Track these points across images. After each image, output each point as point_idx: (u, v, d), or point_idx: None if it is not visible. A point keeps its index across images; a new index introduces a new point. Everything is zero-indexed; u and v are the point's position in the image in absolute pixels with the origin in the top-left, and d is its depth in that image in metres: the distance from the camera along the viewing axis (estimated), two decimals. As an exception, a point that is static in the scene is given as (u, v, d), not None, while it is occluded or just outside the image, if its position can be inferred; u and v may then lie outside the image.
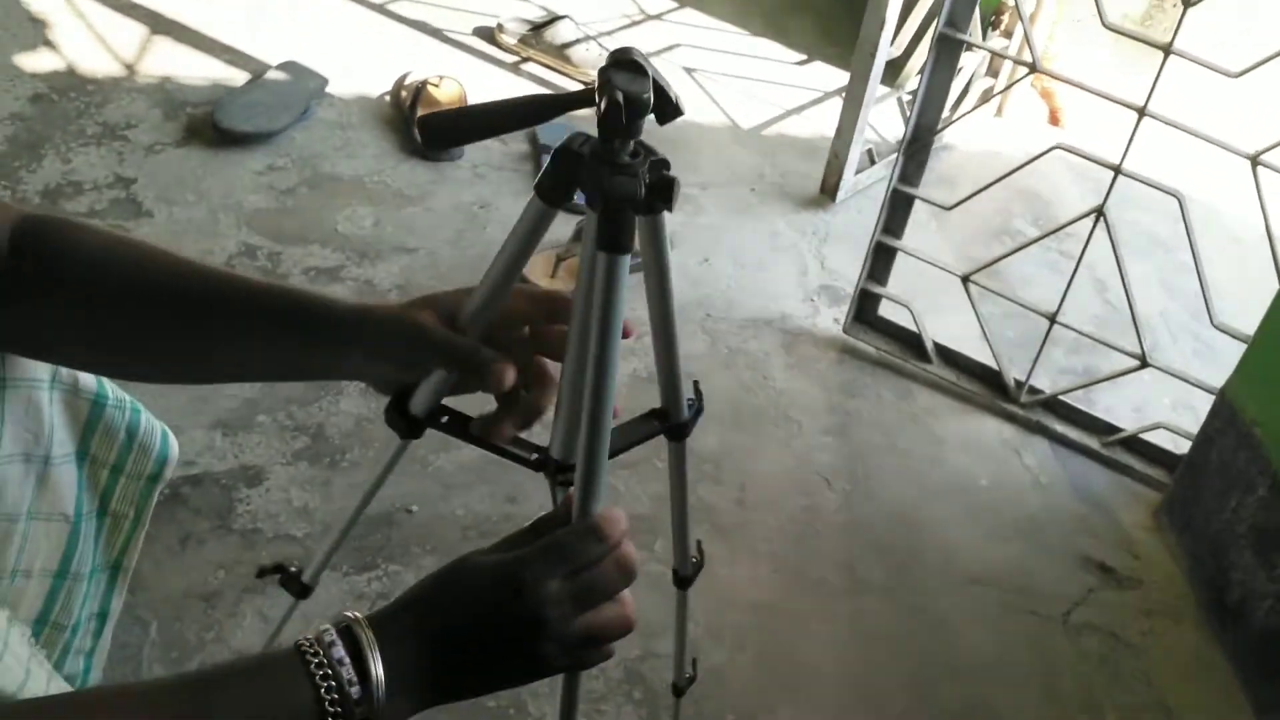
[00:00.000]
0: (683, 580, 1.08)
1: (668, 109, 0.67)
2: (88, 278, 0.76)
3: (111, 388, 1.02)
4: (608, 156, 0.68)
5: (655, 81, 0.66)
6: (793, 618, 1.47)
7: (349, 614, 0.64)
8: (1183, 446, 1.70)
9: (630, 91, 0.64)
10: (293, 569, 1.06)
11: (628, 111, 0.64)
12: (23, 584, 0.98)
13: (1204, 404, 1.65)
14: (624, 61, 0.66)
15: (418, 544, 1.47)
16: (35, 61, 2.17)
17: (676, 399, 0.88)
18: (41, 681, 0.92)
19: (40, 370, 0.94)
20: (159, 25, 2.34)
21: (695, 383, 0.92)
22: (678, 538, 1.04)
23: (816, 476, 1.68)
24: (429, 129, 0.72)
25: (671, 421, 0.90)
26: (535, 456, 0.85)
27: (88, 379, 0.99)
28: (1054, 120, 2.68)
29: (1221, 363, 1.67)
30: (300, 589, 1.06)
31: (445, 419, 0.84)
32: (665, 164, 0.71)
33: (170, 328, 0.77)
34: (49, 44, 2.22)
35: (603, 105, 0.64)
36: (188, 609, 1.35)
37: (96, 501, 1.05)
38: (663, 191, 0.70)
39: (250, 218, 1.95)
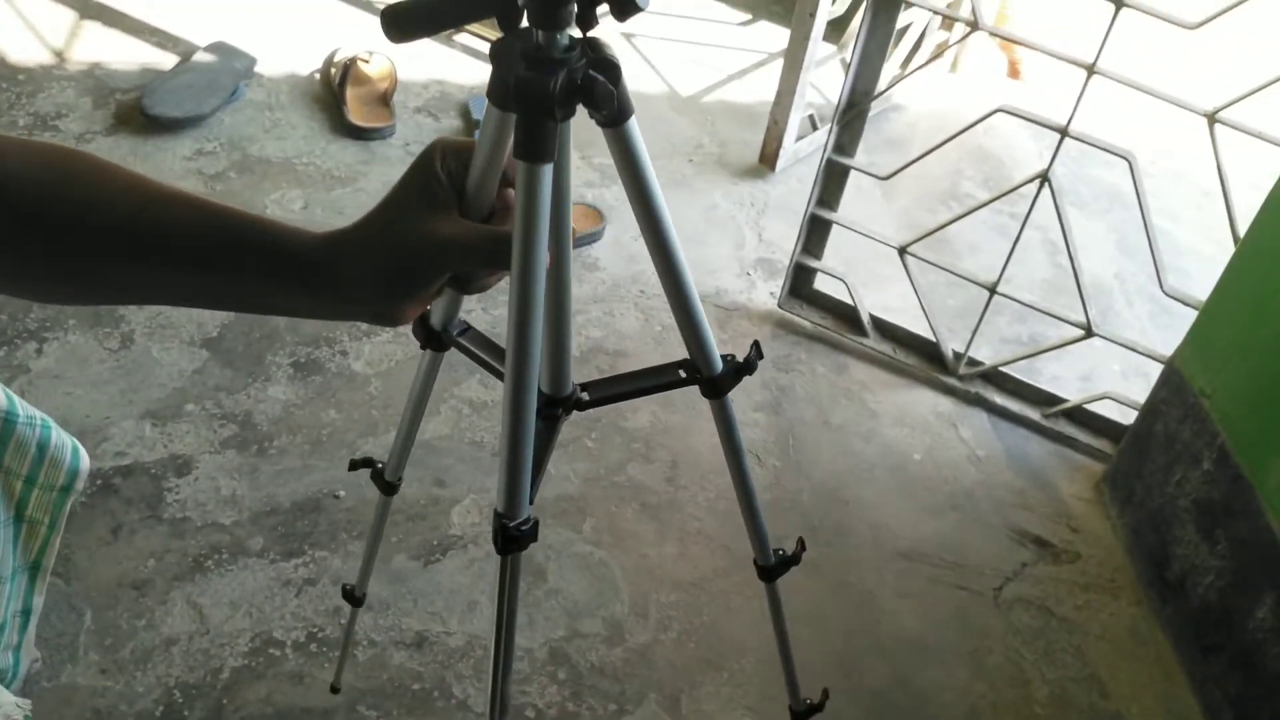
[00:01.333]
0: (766, 572, 1.01)
1: (623, 3, 0.59)
2: (13, 204, 0.63)
3: (22, 406, 1.03)
4: (529, 50, 0.60)
5: None
6: (718, 596, 1.47)
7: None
8: (1130, 417, 1.68)
9: None
10: (378, 465, 1.12)
11: None
12: (-50, 592, 0.99)
13: (1157, 372, 1.61)
14: None
15: (345, 530, 1.47)
16: (-38, 50, 2.14)
17: (703, 350, 0.80)
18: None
19: None
20: (88, 10, 2.30)
21: (755, 343, 0.86)
22: (750, 523, 0.98)
23: (749, 454, 1.67)
24: (388, 18, 0.62)
25: (701, 376, 0.82)
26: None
27: None
28: (1013, 73, 2.63)
29: (1179, 329, 1.59)
30: (386, 486, 1.11)
31: (465, 331, 0.81)
32: (611, 66, 0.62)
33: (113, 262, 0.65)
34: (-23, 30, 2.19)
35: None
36: (120, 597, 1.36)
37: (12, 510, 1.06)
38: (586, 92, 0.61)
39: (181, 202, 1.93)
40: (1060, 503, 1.69)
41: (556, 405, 0.81)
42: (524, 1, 0.57)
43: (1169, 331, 1.99)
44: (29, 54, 2.17)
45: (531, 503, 0.74)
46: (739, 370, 0.83)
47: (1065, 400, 1.78)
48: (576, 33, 0.61)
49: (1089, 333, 1.67)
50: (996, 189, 2.26)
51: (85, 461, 1.11)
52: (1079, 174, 2.34)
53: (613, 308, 1.89)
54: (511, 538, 0.74)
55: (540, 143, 0.61)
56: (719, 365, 0.82)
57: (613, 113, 0.64)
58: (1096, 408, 1.76)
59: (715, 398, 0.85)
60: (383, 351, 1.73)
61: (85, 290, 0.68)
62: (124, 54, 2.21)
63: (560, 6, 0.57)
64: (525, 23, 0.59)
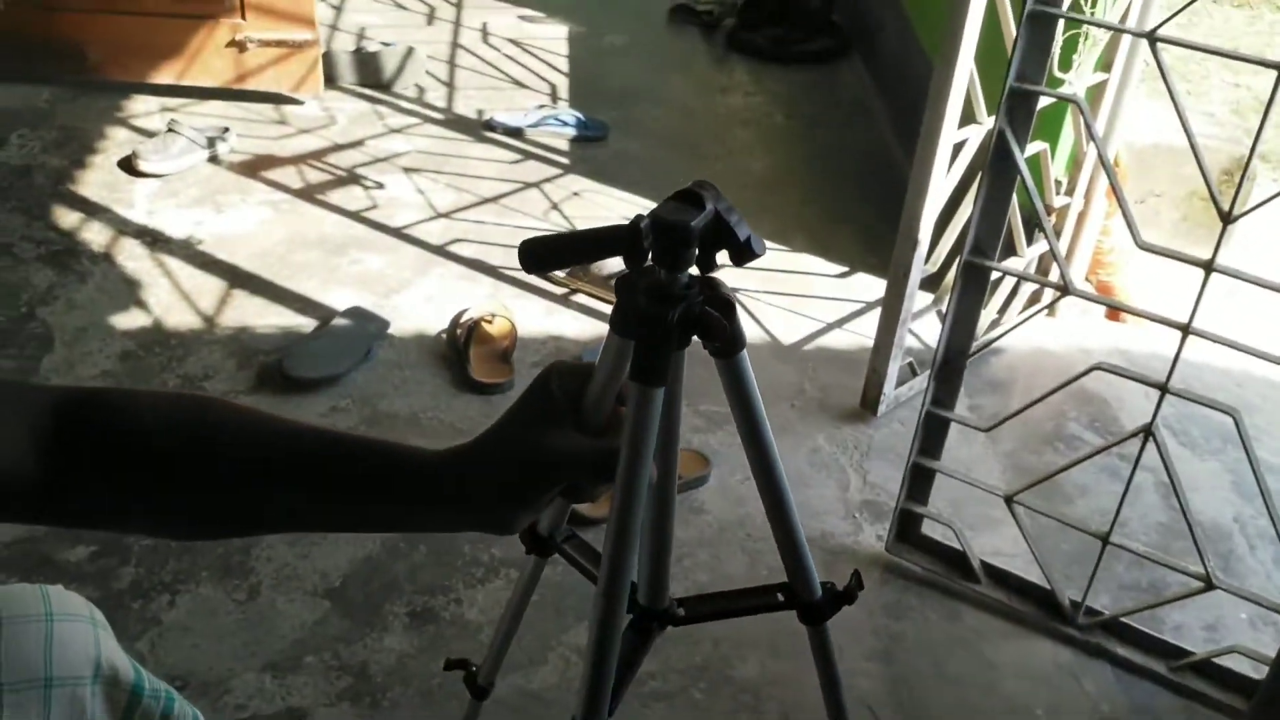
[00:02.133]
0: None
1: (739, 248, 0.65)
2: (142, 451, 0.70)
3: (149, 680, 1.09)
4: (652, 285, 0.66)
5: (720, 215, 0.63)
6: None
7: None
8: (1262, 670, 1.60)
9: (667, 219, 0.63)
10: (473, 668, 1.14)
11: (658, 237, 0.62)
12: None
13: (1286, 622, 1.56)
14: (685, 192, 0.65)
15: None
16: (126, 320, 2.37)
17: (802, 573, 0.82)
18: None
19: (84, 667, 1.00)
20: (237, 279, 2.54)
21: (856, 572, 0.87)
22: None
23: (860, 705, 1.63)
24: (525, 253, 0.70)
25: (800, 600, 0.83)
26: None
27: (126, 671, 1.06)
28: (1113, 315, 2.65)
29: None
30: (478, 690, 1.14)
31: (570, 538, 0.83)
32: (726, 303, 0.68)
33: (240, 499, 0.72)
34: (139, 303, 2.43)
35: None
36: None
37: (133, 786, 1.10)
38: (702, 324, 0.66)
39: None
40: (1198, 765, 1.58)
41: (652, 618, 0.82)
42: (650, 245, 0.63)
43: (1301, 576, 1.91)
44: (181, 320, 2.39)
45: (611, 714, 0.74)
46: (838, 598, 0.84)
47: (1191, 653, 1.69)
48: (695, 270, 0.68)
49: (1209, 585, 1.61)
50: (1103, 431, 2.25)
51: None
52: (1189, 414, 2.31)
53: (719, 551, 1.91)
54: None
55: (655, 368, 0.67)
56: (818, 591, 0.84)
57: (725, 344, 0.70)
58: (1225, 661, 1.67)
59: (813, 624, 0.86)
60: (496, 598, 1.77)
61: (220, 524, 0.75)
62: (268, 319, 2.42)
63: (683, 250, 0.63)
64: (650, 261, 0.66)
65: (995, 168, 1.60)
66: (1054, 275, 1.65)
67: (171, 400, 0.74)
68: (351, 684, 1.62)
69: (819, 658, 0.88)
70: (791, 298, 2.63)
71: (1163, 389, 1.54)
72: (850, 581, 0.84)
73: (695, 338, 0.70)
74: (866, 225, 2.91)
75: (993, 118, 1.62)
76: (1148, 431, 1.57)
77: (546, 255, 0.69)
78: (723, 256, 0.67)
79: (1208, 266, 1.46)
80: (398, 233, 2.78)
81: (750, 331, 2.50)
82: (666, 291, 0.67)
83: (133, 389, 0.75)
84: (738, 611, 0.86)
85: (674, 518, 0.79)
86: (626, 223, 0.64)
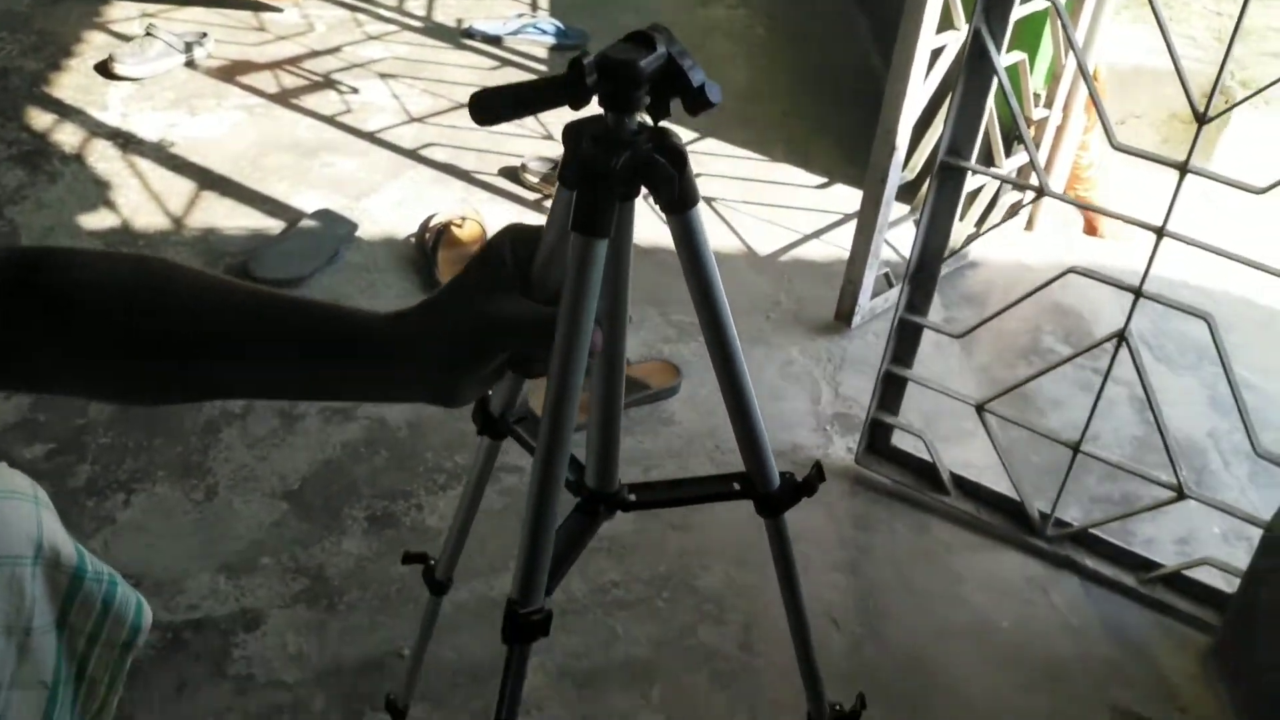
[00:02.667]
0: None
1: (693, 95, 0.61)
2: (92, 310, 0.66)
3: (92, 562, 1.05)
4: (598, 130, 0.63)
5: (672, 59, 0.59)
6: (790, 772, 1.40)
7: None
8: (1234, 584, 1.58)
9: (614, 58, 0.58)
10: (431, 562, 1.09)
11: (604, 77, 0.58)
12: (6, 753, 1.00)
13: (1258, 535, 1.53)
14: (636, 34, 0.60)
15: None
16: (94, 220, 2.32)
17: (760, 463, 0.77)
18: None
19: (25, 547, 0.97)
20: (208, 181, 2.49)
21: (817, 463, 0.81)
22: (803, 663, 0.91)
23: (824, 617, 1.62)
24: (475, 104, 0.65)
25: (756, 490, 0.78)
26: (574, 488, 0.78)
27: (69, 554, 1.02)
28: (1090, 229, 2.61)
29: (1281, 489, 1.51)
30: (436, 585, 1.09)
31: (522, 419, 0.79)
32: (677, 152, 0.63)
33: (190, 358, 0.68)
34: (108, 204, 2.37)
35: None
36: (178, 758, 1.35)
37: (74, 668, 1.07)
38: (646, 174, 0.63)
39: (272, 360, 2.01)
40: (1163, 678, 1.57)
41: (599, 501, 0.78)
42: (594, 84, 0.58)
43: (1271, 491, 1.89)
44: (150, 221, 2.34)
45: (549, 594, 0.70)
46: (797, 490, 0.79)
47: (1162, 565, 1.68)
48: (647, 120, 0.63)
49: (1180, 494, 1.58)
50: (1077, 344, 2.22)
51: (148, 617, 1.12)
52: (1164, 329, 2.28)
53: (687, 462, 1.88)
54: (521, 626, 0.70)
55: (597, 217, 0.62)
56: (776, 481, 0.78)
57: (671, 197, 0.65)
58: (1196, 574, 1.66)
59: (770, 516, 0.80)
60: (456, 505, 1.74)
61: (159, 389, 0.71)
62: (236, 220, 2.36)
63: (631, 91, 0.59)
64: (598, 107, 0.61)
65: (971, 66, 1.54)
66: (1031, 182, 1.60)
67: (119, 258, 0.70)
68: (308, 586, 1.60)
69: (777, 555, 0.84)
70: (769, 208, 2.58)
71: (1136, 293, 1.50)
72: (810, 472, 0.79)
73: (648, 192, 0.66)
74: (846, 137, 2.84)
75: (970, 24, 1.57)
76: (1121, 337, 1.54)
77: (497, 105, 0.63)
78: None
79: (1182, 168, 1.42)
80: (370, 137, 2.72)
81: (726, 242, 2.45)
82: (613, 136, 0.62)
83: (80, 248, 0.69)
84: (690, 499, 0.82)
85: (622, 396, 0.74)
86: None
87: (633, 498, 0.81)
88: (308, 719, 1.41)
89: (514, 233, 0.69)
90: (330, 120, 2.77)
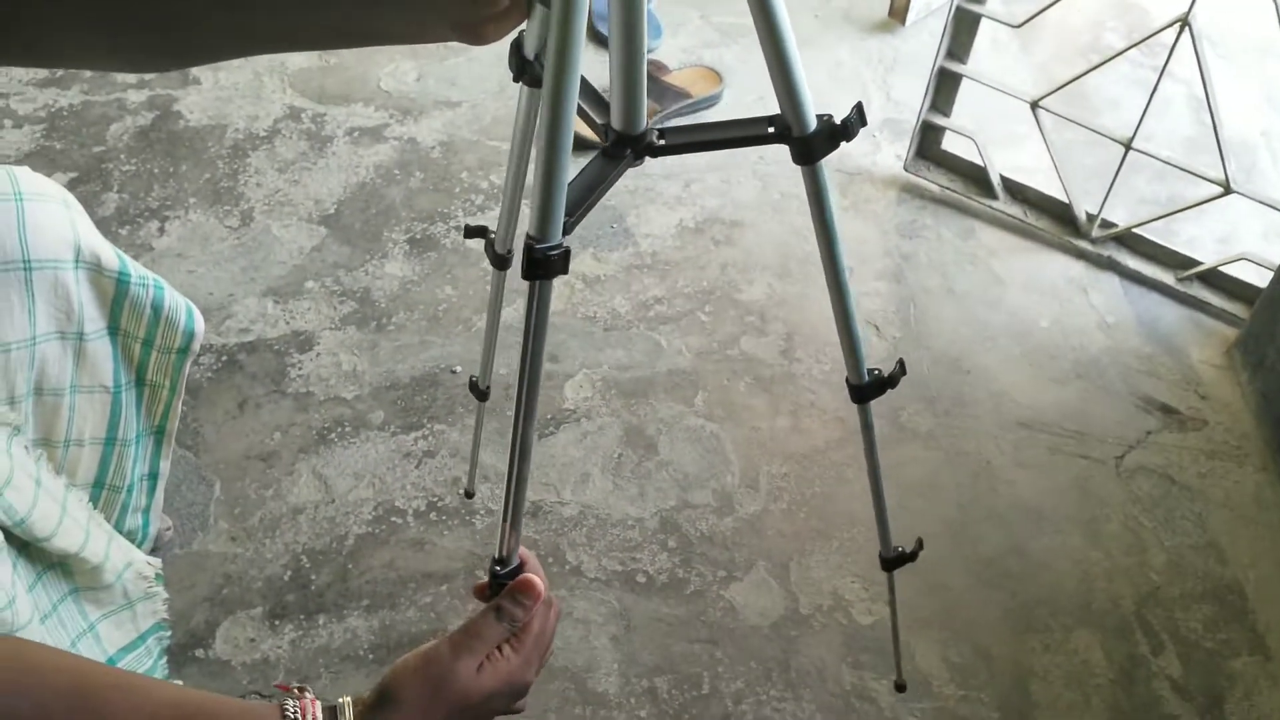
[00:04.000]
0: (859, 391, 0.93)
1: None
2: None
3: (134, 267, 1.05)
4: None
5: None
6: (830, 468, 1.46)
7: (341, 700, 0.67)
8: (1267, 280, 1.57)
9: None
10: (491, 234, 1.07)
11: None
12: (77, 452, 1.06)
13: (1298, 232, 1.52)
14: None
15: (461, 404, 1.50)
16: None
17: (795, 104, 0.71)
18: (102, 542, 0.99)
19: (64, 250, 0.97)
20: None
21: (858, 104, 0.75)
22: (843, 333, 0.87)
23: (866, 324, 1.63)
24: None
25: (791, 134, 0.72)
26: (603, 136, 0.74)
27: (110, 258, 1.02)
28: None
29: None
30: (498, 259, 1.07)
31: None
32: None
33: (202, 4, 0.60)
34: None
35: None
36: (248, 469, 1.43)
37: (133, 373, 1.10)
38: None
39: (294, 79, 1.95)
40: (1189, 369, 1.60)
41: (626, 144, 0.73)
42: None
43: (1325, 189, 1.84)
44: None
45: (568, 232, 0.68)
46: (834, 134, 0.72)
47: (1200, 263, 1.66)
48: None
49: (1227, 189, 1.55)
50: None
51: (200, 322, 1.14)
52: (1228, 27, 2.14)
53: (730, 175, 1.84)
54: (537, 260, 0.67)
55: None
56: (813, 124, 0.72)
57: None
58: (1233, 270, 1.65)
59: (806, 163, 0.74)
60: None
61: (159, 40, 0.61)
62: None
63: None
64: None
65: None
66: None
67: None
68: (356, 309, 1.62)
69: (814, 201, 0.78)
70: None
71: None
72: (850, 114, 0.73)
73: None
74: None
75: None
76: (1184, 22, 1.45)
77: None
78: None
79: None
80: None
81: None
82: None
83: None
84: (721, 143, 0.75)
85: (644, 29, 0.66)
86: None
87: (661, 141, 0.75)
88: (369, 430, 1.47)
89: None
90: None
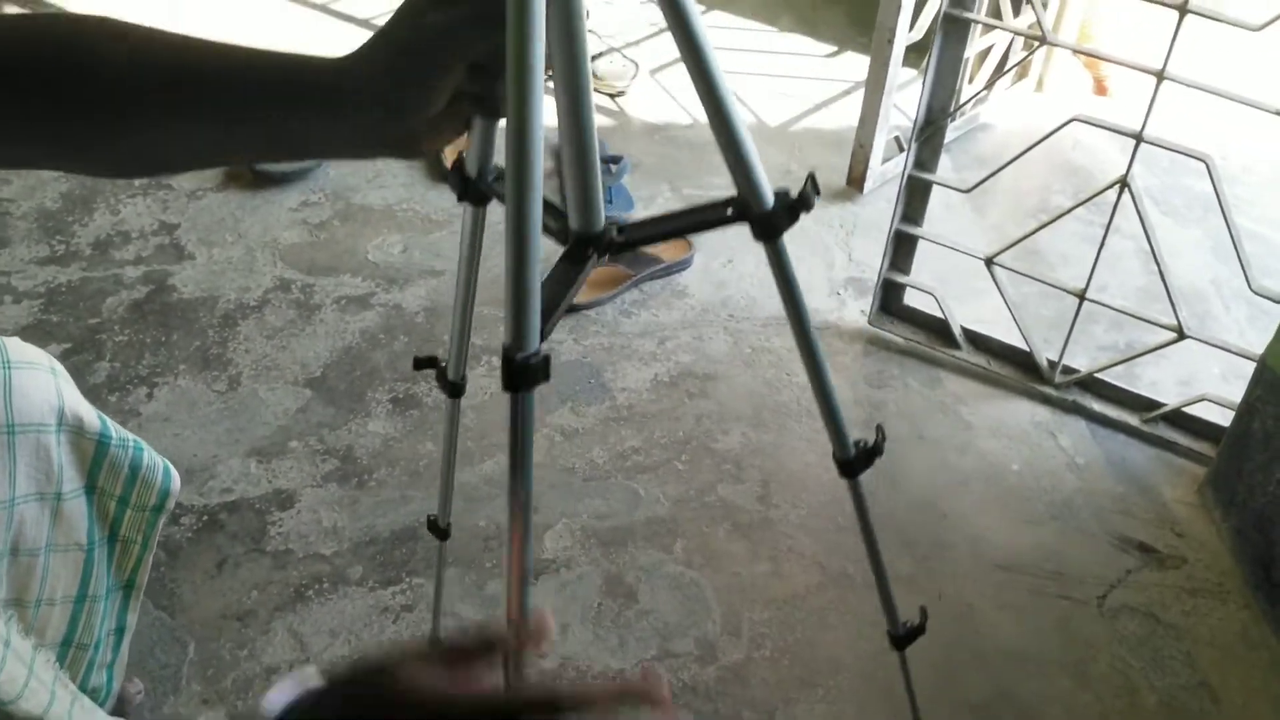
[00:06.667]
0: (847, 467, 0.91)
1: None
2: (26, 68, 0.59)
3: (116, 429, 1.09)
4: None
5: None
6: (813, 613, 1.45)
7: None
8: (1229, 419, 1.62)
9: None
10: (442, 365, 1.06)
11: None
12: (48, 611, 1.05)
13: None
14: None
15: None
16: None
17: (751, 183, 0.71)
18: (65, 703, 0.98)
19: (48, 415, 1.00)
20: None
21: (810, 175, 0.75)
22: (822, 403, 0.85)
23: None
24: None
25: (751, 212, 0.72)
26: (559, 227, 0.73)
27: (92, 420, 1.06)
28: (1100, 90, 2.58)
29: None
30: (452, 388, 1.06)
31: (500, 177, 0.70)
32: None
33: (125, 120, 0.62)
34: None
35: None
36: (224, 629, 1.41)
37: (107, 530, 1.11)
38: None
39: (285, 253, 2.03)
40: (1163, 507, 1.62)
41: (587, 243, 0.72)
42: None
43: (1266, 333, 1.90)
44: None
45: (543, 339, 0.67)
46: (794, 207, 0.73)
47: (1164, 404, 1.71)
48: None
49: (1181, 335, 1.62)
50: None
51: (176, 481, 1.16)
52: (1171, 184, 2.27)
53: (702, 332, 1.90)
54: (517, 370, 0.65)
55: None
56: (770, 200, 0.72)
57: None
58: (1196, 410, 1.70)
59: (768, 240, 0.74)
60: (477, 385, 1.78)
61: (105, 153, 0.64)
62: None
63: None
64: None
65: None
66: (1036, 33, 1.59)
67: (36, 18, 0.63)
68: (338, 466, 1.64)
69: (778, 274, 0.78)
70: (778, 79, 2.55)
71: (1138, 138, 1.51)
72: (804, 186, 0.74)
73: None
74: (855, 4, 2.79)
75: None
76: (1123, 183, 1.55)
77: None
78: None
79: (1181, 8, 1.41)
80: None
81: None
82: None
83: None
84: (681, 230, 0.74)
85: (595, 136, 0.66)
86: None
87: (621, 237, 0.73)
88: (347, 586, 1.47)
89: None
90: (325, 9, 2.74)
